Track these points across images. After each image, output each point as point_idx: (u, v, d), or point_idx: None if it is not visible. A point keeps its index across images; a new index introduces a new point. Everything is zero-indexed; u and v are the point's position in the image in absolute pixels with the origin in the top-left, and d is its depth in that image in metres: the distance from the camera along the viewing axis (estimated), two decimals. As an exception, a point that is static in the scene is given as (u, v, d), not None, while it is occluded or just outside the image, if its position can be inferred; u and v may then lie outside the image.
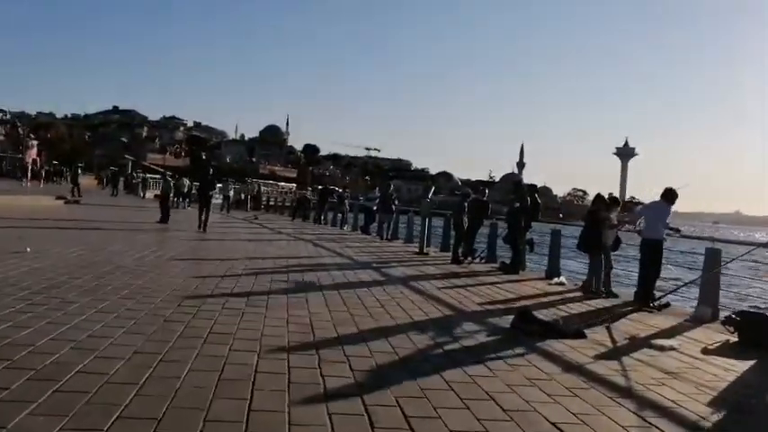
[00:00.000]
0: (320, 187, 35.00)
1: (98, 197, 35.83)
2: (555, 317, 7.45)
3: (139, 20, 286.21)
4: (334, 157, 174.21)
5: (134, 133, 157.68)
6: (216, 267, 10.59)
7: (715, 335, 7.81)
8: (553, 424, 4.11)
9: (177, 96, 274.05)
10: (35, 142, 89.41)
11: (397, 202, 21.82)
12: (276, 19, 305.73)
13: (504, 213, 15.42)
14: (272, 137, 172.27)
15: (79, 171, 43.36)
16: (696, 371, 5.96)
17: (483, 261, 14.91)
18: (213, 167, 20.45)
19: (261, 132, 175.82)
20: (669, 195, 10.16)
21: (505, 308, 8.77)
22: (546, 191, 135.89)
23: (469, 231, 15.05)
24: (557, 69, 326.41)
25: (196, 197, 19.07)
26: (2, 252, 10.16)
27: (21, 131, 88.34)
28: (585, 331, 7.18)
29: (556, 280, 12.11)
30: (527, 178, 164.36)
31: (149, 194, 43.37)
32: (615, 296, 10.85)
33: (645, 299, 9.60)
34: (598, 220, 10.90)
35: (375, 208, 23.07)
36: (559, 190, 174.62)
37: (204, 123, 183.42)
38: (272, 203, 41.34)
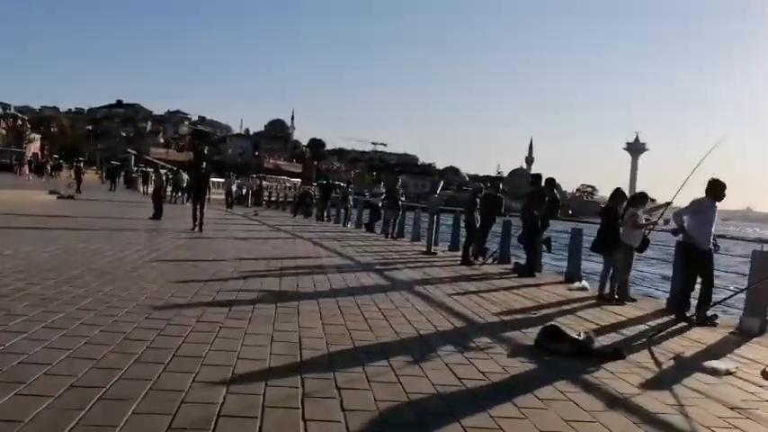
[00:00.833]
0: (322, 182, 33.78)
1: (95, 192, 34.86)
2: (586, 332, 6.36)
3: (145, 14, 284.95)
4: (340, 152, 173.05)
5: (138, 127, 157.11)
6: (201, 270, 9.56)
7: (771, 353, 6.74)
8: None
9: (182, 91, 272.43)
10: (37, 136, 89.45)
11: (403, 198, 20.73)
12: (282, 11, 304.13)
13: (517, 209, 14.32)
14: (278, 131, 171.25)
15: (82, 166, 42.63)
16: (766, 404, 4.90)
17: (495, 262, 13.83)
18: (206, 161, 18.90)
19: (266, 126, 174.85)
20: (715, 190, 8.50)
21: (525, 318, 7.72)
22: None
23: (481, 229, 13.98)
24: (567, 62, 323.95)
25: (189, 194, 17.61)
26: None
27: (22, 126, 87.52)
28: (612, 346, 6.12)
29: (577, 284, 11.02)
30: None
31: (149, 189, 42.40)
32: (633, 300, 9.82)
33: (680, 309, 8.44)
34: (614, 217, 9.78)
35: (380, 204, 21.99)
36: (568, 186, 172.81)
37: (209, 117, 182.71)
38: (273, 199, 40.34)
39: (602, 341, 6.43)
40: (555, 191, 12.84)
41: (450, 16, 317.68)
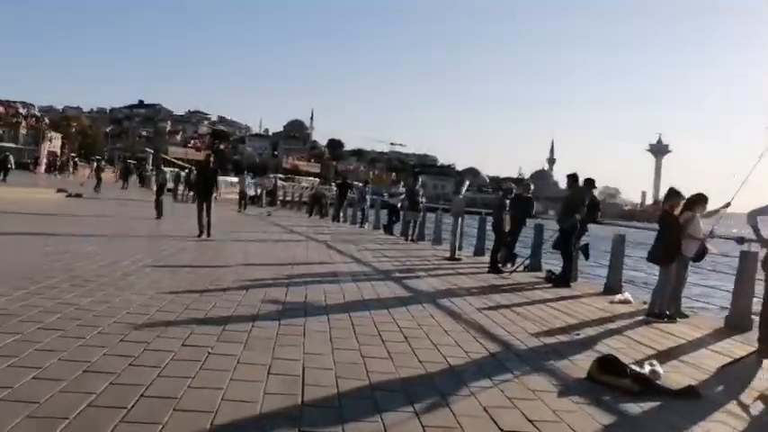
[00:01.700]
0: (338, 181, 32.75)
1: (108, 191, 34.03)
2: (650, 363, 5.26)
3: (168, 16, 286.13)
4: (359, 153, 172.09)
5: (157, 127, 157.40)
6: (199, 278, 8.56)
7: None
8: None
9: (202, 91, 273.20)
10: (57, 135, 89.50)
11: (424, 200, 19.63)
12: (302, 12, 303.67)
13: (540, 212, 13.18)
14: (296, 131, 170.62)
15: (102, 164, 42.08)
16: None
17: (526, 270, 12.69)
18: (221, 158, 16.80)
19: (285, 127, 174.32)
20: None
21: (568, 340, 6.62)
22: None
23: (510, 234, 12.87)
24: (588, 62, 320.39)
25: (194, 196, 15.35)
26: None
27: (38, 124, 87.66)
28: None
29: (619, 297, 9.87)
30: (557, 175, 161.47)
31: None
32: (686, 316, 8.67)
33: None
34: (676, 223, 8.51)
35: (400, 205, 20.91)
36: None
37: (228, 117, 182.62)
38: (289, 199, 39.37)
39: (665, 370, 5.31)
40: (594, 192, 11.71)
41: (468, 16, 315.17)
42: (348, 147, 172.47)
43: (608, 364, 5.07)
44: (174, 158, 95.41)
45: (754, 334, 7.20)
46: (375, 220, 23.86)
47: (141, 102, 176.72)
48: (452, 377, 4.82)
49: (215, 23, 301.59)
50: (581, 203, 11.08)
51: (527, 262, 12.95)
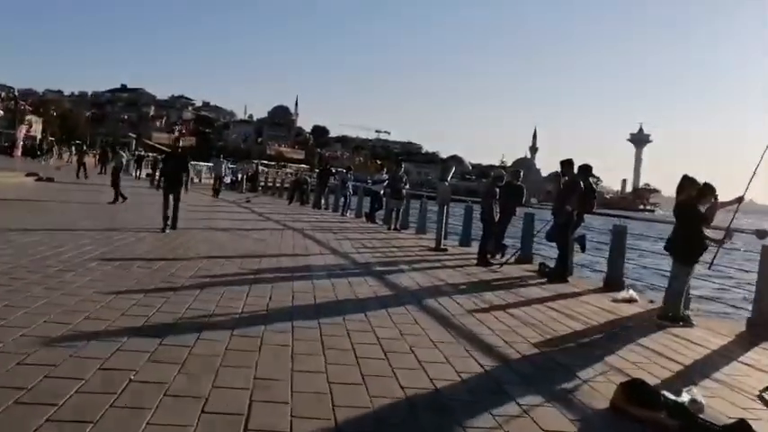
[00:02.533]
0: (319, 167, 31.59)
1: (82, 176, 32.58)
2: (689, 391, 4.25)
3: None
4: (344, 139, 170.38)
5: (141, 112, 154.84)
6: (150, 274, 7.45)
7: None
8: None
9: (187, 76, 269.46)
10: (37, 119, 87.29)
11: (407, 187, 18.54)
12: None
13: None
14: (281, 118, 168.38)
15: (84, 149, 40.65)
16: None
17: (514, 261, 11.70)
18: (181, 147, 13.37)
19: (269, 113, 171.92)
20: None
21: (578, 351, 5.62)
22: (559, 178, 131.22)
23: (500, 223, 11.86)
24: (571, 52, 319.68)
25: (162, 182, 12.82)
26: None
27: (15, 106, 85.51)
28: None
29: (623, 295, 8.89)
30: (540, 164, 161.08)
31: (143, 173, 40.31)
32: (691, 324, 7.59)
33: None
34: (694, 215, 7.43)
35: (383, 192, 19.82)
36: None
37: (213, 103, 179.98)
38: (270, 184, 38.05)
39: (698, 392, 4.32)
40: (590, 180, 10.71)
41: (453, 5, 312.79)
42: (333, 134, 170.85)
43: (636, 391, 4.06)
44: (157, 144, 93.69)
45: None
46: (357, 208, 22.78)
47: (124, 86, 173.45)
48: (442, 413, 3.79)
49: (200, 8, 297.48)
50: (577, 190, 10.06)
51: (517, 253, 11.98)
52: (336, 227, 17.24)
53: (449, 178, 14.55)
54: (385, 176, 21.26)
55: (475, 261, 11.40)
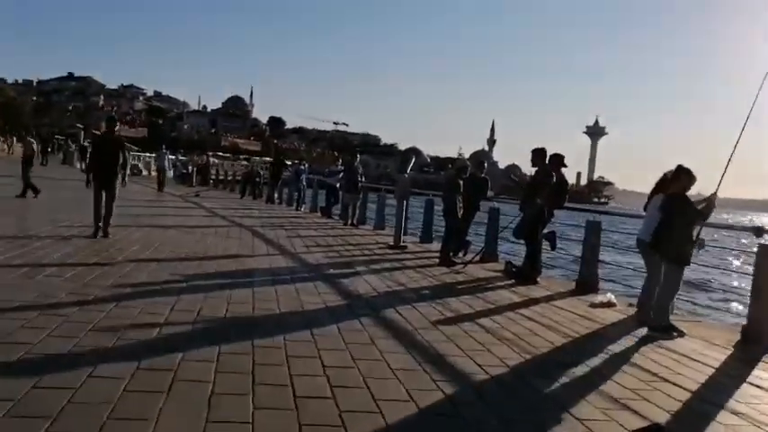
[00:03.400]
0: (273, 160, 30.34)
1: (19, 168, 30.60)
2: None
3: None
4: (300, 131, 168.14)
5: (89, 102, 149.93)
6: (59, 283, 6.29)
7: None
8: None
9: (138, 64, 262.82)
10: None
11: (363, 179, 17.53)
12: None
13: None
14: (236, 108, 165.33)
15: (29, 139, 38.38)
16: None
17: (478, 260, 10.84)
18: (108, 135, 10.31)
19: (224, 103, 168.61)
20: None
21: (567, 376, 4.71)
22: (514, 169, 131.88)
23: (464, 219, 10.96)
24: (529, 46, 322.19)
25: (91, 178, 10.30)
26: None
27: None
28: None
29: (600, 299, 8.09)
30: (497, 156, 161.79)
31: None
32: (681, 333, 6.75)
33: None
34: (688, 210, 6.56)
35: (338, 185, 18.77)
36: (527, 169, 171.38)
37: (165, 93, 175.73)
38: (222, 177, 36.60)
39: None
40: (563, 172, 9.86)
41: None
42: (290, 125, 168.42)
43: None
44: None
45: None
46: (312, 202, 21.69)
47: (71, 74, 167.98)
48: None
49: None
50: (549, 183, 9.21)
51: (482, 251, 11.12)
52: (289, 223, 16.17)
53: (408, 170, 13.63)
54: (340, 168, 20.20)
55: (437, 260, 10.49)
